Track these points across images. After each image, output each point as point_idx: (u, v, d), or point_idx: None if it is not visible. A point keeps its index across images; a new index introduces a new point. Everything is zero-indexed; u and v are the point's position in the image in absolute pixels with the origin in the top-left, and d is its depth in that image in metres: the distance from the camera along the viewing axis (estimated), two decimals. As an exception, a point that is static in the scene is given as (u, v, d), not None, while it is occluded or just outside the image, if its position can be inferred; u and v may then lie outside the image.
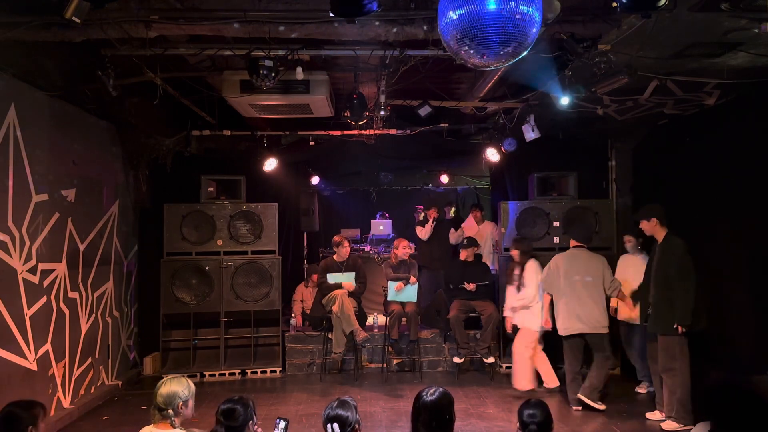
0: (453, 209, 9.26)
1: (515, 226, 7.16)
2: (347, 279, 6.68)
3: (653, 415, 5.18)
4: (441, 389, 2.79)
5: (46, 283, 5.08)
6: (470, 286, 6.64)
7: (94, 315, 5.99)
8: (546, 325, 5.74)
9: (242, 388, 5.92)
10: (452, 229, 7.97)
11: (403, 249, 6.95)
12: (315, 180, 9.52)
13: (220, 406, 2.91)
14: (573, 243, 5.75)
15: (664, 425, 4.95)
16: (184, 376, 3.08)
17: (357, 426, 2.72)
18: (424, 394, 2.77)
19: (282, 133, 7.43)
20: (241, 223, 7.07)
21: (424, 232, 8.01)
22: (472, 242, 6.99)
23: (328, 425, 2.63)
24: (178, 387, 2.93)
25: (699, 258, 5.03)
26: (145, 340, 7.12)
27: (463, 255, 6.91)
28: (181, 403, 2.91)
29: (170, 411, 2.89)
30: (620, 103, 5.76)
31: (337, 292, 6.52)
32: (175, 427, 2.90)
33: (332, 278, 6.67)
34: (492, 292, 7.04)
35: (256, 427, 2.99)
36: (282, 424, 2.93)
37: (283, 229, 8.19)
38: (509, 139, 6.93)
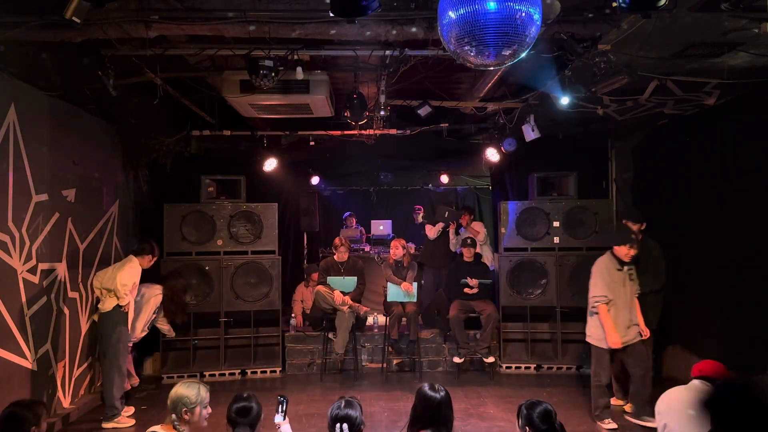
0: (461, 207, 9.23)
1: (515, 226, 7.17)
2: (347, 284, 6.68)
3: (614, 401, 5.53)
4: (439, 384, 2.85)
5: (46, 283, 5.08)
6: (472, 281, 6.68)
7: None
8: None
9: (242, 388, 5.89)
10: (451, 235, 7.95)
11: (395, 250, 6.96)
12: (315, 180, 9.53)
13: (234, 405, 2.93)
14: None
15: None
16: (200, 381, 3.05)
17: (362, 426, 2.73)
18: (433, 392, 2.80)
19: (282, 133, 7.43)
20: (241, 223, 7.06)
21: (434, 231, 7.99)
22: (473, 242, 7.01)
23: (337, 425, 2.63)
24: (185, 392, 2.92)
25: (698, 257, 5.03)
26: (145, 340, 7.10)
27: (466, 254, 6.93)
28: (184, 410, 2.88)
29: (173, 416, 2.89)
30: (620, 103, 5.76)
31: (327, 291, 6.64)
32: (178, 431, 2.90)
33: (332, 281, 6.68)
34: (492, 292, 7.04)
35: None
36: (281, 399, 3.18)
37: (283, 229, 8.18)
38: (509, 139, 6.93)
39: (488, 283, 6.81)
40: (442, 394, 2.81)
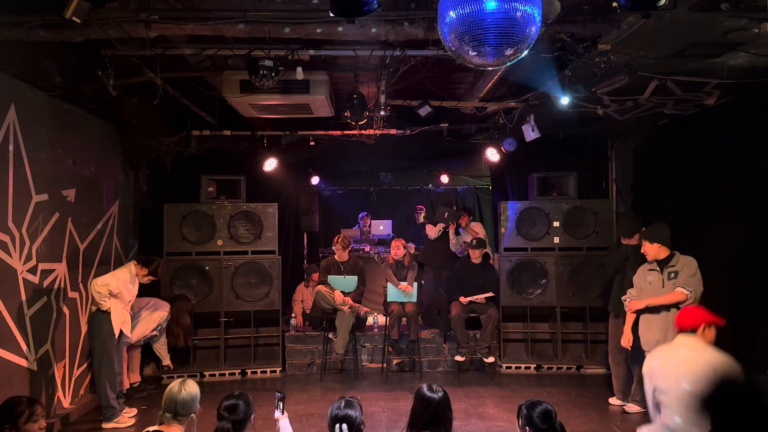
0: (458, 208, 9.22)
1: (515, 226, 7.17)
2: (348, 283, 6.67)
3: (614, 401, 5.61)
4: (437, 385, 2.85)
5: (46, 283, 5.08)
6: (481, 300, 6.68)
7: (94, 315, 5.99)
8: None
9: (242, 388, 5.84)
10: (451, 235, 7.93)
11: (396, 249, 6.95)
12: (315, 180, 9.52)
13: (223, 401, 2.95)
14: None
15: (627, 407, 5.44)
16: (183, 377, 3.08)
17: (362, 426, 2.73)
18: (432, 393, 2.80)
19: (282, 133, 7.43)
20: (241, 223, 7.06)
21: (435, 231, 7.99)
22: (480, 243, 6.96)
23: (336, 426, 2.64)
24: (196, 389, 2.95)
25: (699, 257, 5.00)
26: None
27: (473, 255, 6.90)
28: (198, 405, 2.93)
29: (193, 416, 2.90)
30: (620, 103, 5.77)
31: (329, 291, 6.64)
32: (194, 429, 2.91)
33: (332, 280, 6.68)
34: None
35: (256, 422, 3.03)
36: (279, 395, 3.25)
37: (283, 229, 8.19)
38: (509, 139, 6.92)
39: (492, 296, 6.81)
40: (440, 394, 2.81)
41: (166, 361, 6.29)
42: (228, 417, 2.88)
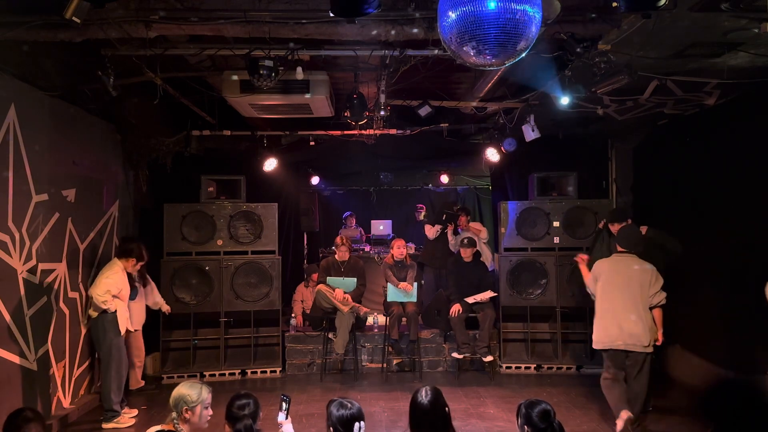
0: (457, 209, 9.22)
1: (515, 226, 7.17)
2: (347, 285, 6.67)
3: None
4: (430, 388, 2.84)
5: (46, 283, 5.08)
6: (485, 298, 6.68)
7: (94, 315, 5.98)
8: None
9: (242, 388, 5.87)
10: (450, 236, 7.92)
11: (400, 249, 6.95)
12: (315, 180, 9.53)
13: (234, 401, 2.99)
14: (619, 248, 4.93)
15: None
16: (201, 382, 3.06)
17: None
18: (419, 398, 2.80)
19: (282, 133, 7.44)
20: (241, 223, 7.06)
21: (433, 231, 7.98)
22: (471, 242, 6.98)
23: (356, 425, 2.64)
24: (187, 391, 2.94)
25: (695, 258, 5.00)
26: (145, 340, 7.10)
27: (464, 254, 6.92)
28: (185, 408, 2.90)
29: (173, 414, 2.90)
30: (620, 103, 5.76)
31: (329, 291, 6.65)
32: (177, 430, 2.91)
33: (332, 281, 6.67)
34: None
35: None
36: (284, 398, 3.18)
37: (283, 229, 8.18)
38: (509, 139, 6.93)
39: (496, 295, 6.83)
40: (429, 398, 2.78)
41: (166, 306, 6.38)
42: (246, 414, 2.92)
